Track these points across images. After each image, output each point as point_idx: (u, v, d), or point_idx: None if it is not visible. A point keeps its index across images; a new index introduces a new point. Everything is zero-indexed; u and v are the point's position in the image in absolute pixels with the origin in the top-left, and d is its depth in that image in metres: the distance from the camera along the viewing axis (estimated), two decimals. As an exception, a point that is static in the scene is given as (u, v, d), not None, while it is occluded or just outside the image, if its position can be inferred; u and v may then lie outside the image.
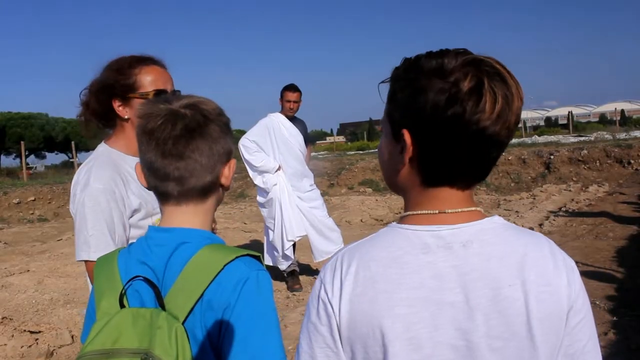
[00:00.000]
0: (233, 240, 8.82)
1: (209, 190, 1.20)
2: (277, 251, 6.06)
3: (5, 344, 4.80)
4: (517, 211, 9.84)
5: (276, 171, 5.98)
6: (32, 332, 4.86)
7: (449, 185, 0.97)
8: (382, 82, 1.02)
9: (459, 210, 0.97)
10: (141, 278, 1.11)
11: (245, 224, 10.72)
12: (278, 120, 5.99)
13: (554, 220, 8.63)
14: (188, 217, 1.18)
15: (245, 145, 6.00)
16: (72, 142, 24.13)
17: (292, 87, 5.94)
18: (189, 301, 1.07)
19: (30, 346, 4.60)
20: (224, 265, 1.09)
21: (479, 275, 0.92)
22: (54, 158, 50.32)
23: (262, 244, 6.41)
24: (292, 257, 6.07)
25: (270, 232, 6.11)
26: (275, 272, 6.06)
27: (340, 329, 0.94)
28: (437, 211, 0.97)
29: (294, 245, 6.09)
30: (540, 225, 8.31)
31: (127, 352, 1.05)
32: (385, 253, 0.95)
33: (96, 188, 1.71)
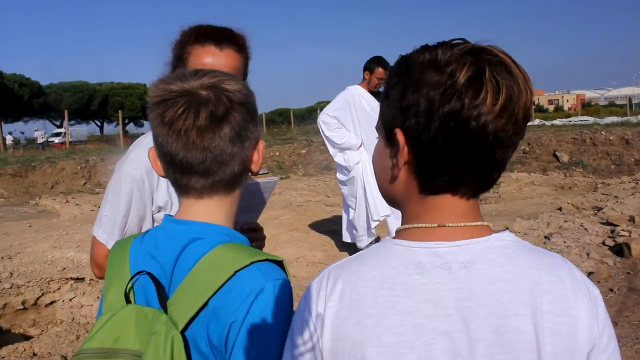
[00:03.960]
0: (314, 214, 8.80)
1: (238, 181, 1.07)
2: (356, 230, 5.95)
3: (92, 305, 5.05)
4: (616, 197, 9.14)
5: (358, 148, 5.81)
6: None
7: (451, 192, 0.84)
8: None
9: (462, 224, 0.83)
10: (146, 274, 1.01)
11: (328, 197, 10.68)
12: (359, 94, 5.75)
13: (658, 208, 7.94)
14: (210, 209, 1.06)
15: (326, 122, 5.84)
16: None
17: (386, 64, 5.58)
18: (192, 308, 0.95)
19: (113, 309, 4.80)
20: (236, 272, 0.95)
21: (482, 302, 0.79)
22: (151, 126, 52.95)
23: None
24: (375, 235, 5.94)
25: (352, 211, 5.99)
26: (354, 251, 5.98)
27: (323, 356, 0.82)
28: (436, 225, 0.84)
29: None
30: (643, 213, 7.67)
31: (127, 353, 0.97)
32: (375, 272, 0.82)
33: (126, 172, 1.61)
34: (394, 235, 0.89)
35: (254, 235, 1.57)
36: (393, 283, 0.81)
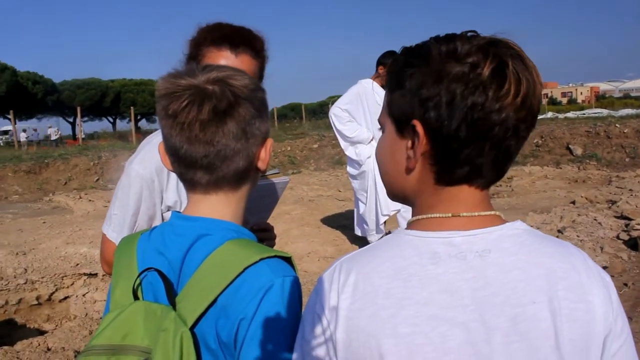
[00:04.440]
0: (326, 208, 8.79)
1: (243, 177, 1.06)
2: (367, 224, 5.93)
3: (104, 300, 5.08)
4: (630, 190, 9.04)
5: (369, 142, 5.78)
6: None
7: (468, 183, 0.84)
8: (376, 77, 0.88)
9: (475, 214, 0.83)
10: (154, 270, 1.00)
11: (340, 191, 10.67)
12: (371, 88, 5.69)
13: (673, 200, 7.83)
14: (217, 205, 1.05)
15: (337, 115, 5.81)
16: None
17: None
18: (200, 305, 0.95)
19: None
20: (245, 268, 0.95)
21: (497, 290, 0.79)
22: (163, 122, 53.48)
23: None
24: (384, 230, 5.93)
25: (362, 205, 5.97)
26: (365, 245, 5.95)
27: (336, 349, 0.81)
28: (449, 214, 0.84)
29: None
30: (658, 205, 7.57)
31: (135, 349, 0.96)
32: (388, 263, 0.81)
33: (136, 171, 1.60)
34: (404, 227, 0.88)
35: (265, 235, 1.56)
36: (407, 274, 0.80)
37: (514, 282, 0.79)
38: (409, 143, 0.84)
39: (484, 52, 0.78)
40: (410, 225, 0.87)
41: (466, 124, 0.78)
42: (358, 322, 0.79)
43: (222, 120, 0.99)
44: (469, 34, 0.82)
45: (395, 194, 0.93)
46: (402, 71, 0.85)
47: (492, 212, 0.85)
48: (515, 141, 0.82)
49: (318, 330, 0.83)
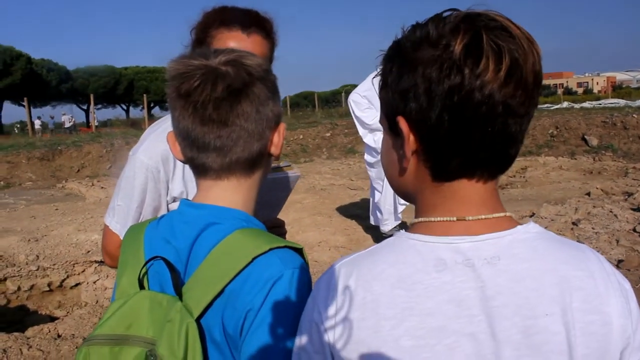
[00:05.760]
0: (338, 197, 8.76)
1: (257, 161, 1.02)
2: (381, 213, 5.90)
3: (108, 288, 5.09)
4: (647, 181, 8.93)
5: (389, 129, 5.75)
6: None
7: (467, 176, 0.77)
8: (376, 75, 0.83)
9: (483, 217, 0.76)
10: (160, 259, 0.97)
11: (352, 180, 10.63)
12: None
13: (691, 193, 7.70)
14: (227, 193, 1.02)
15: (356, 101, 5.76)
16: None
17: None
18: (207, 295, 0.92)
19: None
20: (254, 258, 0.91)
21: (508, 301, 0.73)
22: (177, 110, 53.60)
23: (368, 203, 6.32)
24: (401, 219, 5.89)
25: (377, 194, 5.94)
26: (378, 234, 5.95)
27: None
28: (454, 218, 0.77)
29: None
30: (675, 198, 7.44)
31: (139, 340, 0.93)
32: (391, 270, 0.76)
33: (140, 161, 1.55)
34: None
35: (275, 231, 1.52)
36: (411, 282, 0.74)
37: (526, 292, 0.73)
38: (399, 142, 0.79)
39: (456, 30, 0.72)
40: (413, 228, 0.81)
41: (448, 110, 0.72)
42: (358, 334, 0.74)
43: (237, 100, 0.96)
44: (445, 13, 0.75)
45: (402, 195, 0.88)
46: (384, 68, 0.80)
47: (502, 214, 0.78)
48: (512, 120, 0.73)
49: (316, 339, 0.79)
